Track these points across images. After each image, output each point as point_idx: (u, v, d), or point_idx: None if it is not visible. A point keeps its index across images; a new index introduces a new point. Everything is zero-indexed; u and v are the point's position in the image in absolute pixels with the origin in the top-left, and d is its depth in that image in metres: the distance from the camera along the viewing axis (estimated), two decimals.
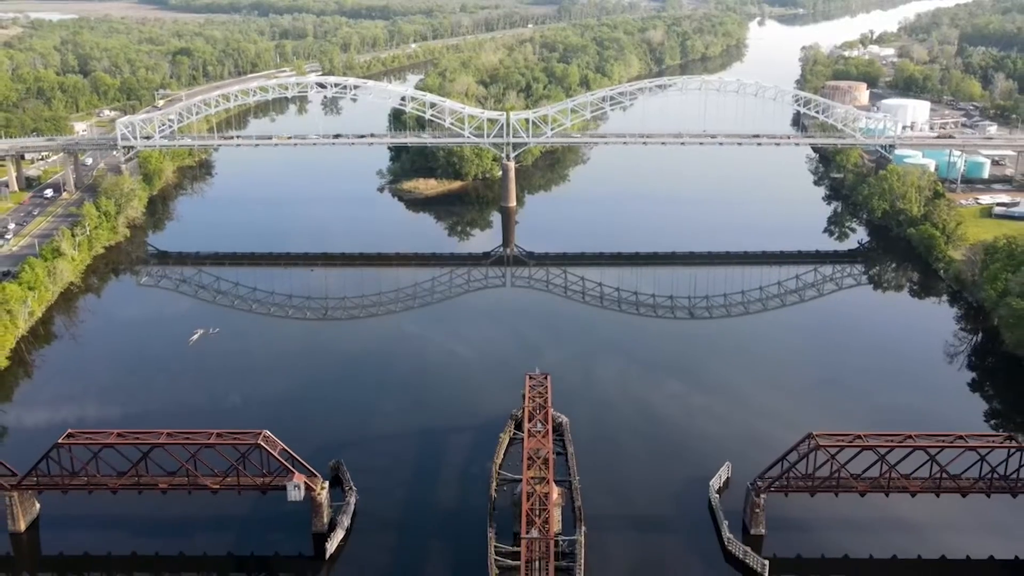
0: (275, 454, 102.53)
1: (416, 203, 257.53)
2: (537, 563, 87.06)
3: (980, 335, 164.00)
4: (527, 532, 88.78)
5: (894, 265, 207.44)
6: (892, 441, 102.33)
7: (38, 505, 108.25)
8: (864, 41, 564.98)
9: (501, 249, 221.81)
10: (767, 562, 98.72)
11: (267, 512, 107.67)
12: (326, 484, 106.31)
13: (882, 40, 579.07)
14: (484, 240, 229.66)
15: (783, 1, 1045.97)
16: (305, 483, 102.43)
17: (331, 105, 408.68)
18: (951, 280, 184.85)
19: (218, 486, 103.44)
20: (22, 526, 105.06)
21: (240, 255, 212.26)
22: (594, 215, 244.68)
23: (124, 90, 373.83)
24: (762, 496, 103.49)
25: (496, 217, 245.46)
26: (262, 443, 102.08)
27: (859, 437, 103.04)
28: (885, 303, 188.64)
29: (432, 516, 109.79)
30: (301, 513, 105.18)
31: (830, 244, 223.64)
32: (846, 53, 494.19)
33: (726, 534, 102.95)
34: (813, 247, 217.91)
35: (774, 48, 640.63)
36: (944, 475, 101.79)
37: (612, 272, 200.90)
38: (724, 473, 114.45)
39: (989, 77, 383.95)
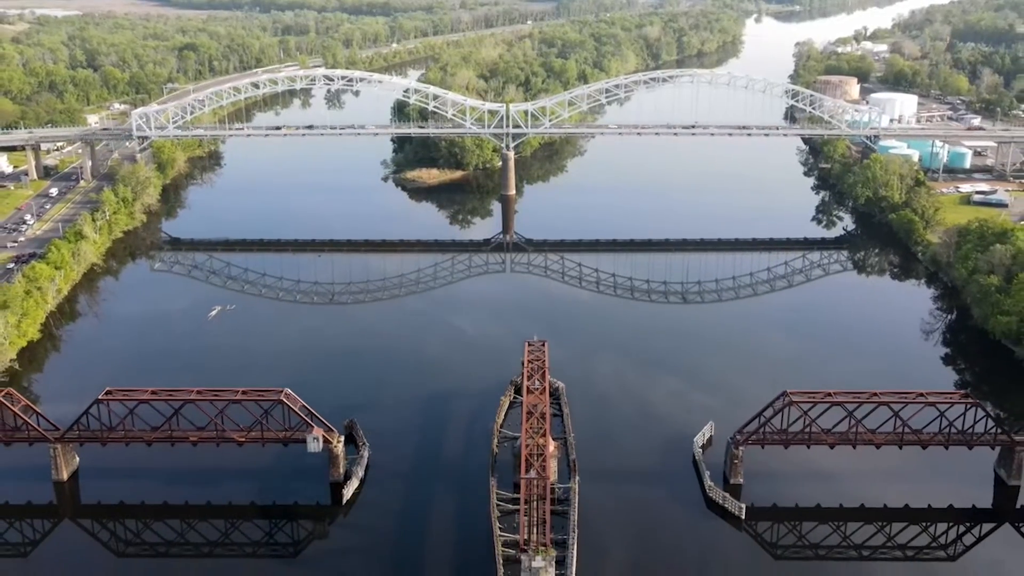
0: (296, 410, 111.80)
1: (419, 192, 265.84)
2: (535, 502, 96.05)
3: (954, 312, 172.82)
4: (526, 473, 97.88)
5: (877, 250, 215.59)
6: (859, 398, 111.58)
7: (78, 458, 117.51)
8: (858, 37, 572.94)
9: (501, 236, 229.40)
10: (744, 507, 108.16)
11: (288, 463, 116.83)
12: (342, 437, 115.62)
13: (876, 36, 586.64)
14: (484, 227, 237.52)
15: None
16: (323, 436, 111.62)
17: (334, 99, 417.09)
18: (928, 262, 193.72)
19: (243, 439, 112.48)
20: (64, 476, 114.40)
21: (249, 242, 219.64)
22: (591, 204, 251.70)
23: (133, 84, 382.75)
24: (740, 448, 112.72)
25: (496, 205, 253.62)
26: (284, 399, 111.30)
27: (829, 394, 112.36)
28: (868, 285, 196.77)
29: (438, 468, 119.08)
30: (319, 464, 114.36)
31: (817, 231, 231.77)
32: (839, 49, 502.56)
33: (707, 483, 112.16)
34: (801, 234, 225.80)
35: (770, 45, 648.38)
36: (906, 429, 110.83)
37: (608, 258, 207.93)
38: (708, 431, 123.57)
39: (977, 72, 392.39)
